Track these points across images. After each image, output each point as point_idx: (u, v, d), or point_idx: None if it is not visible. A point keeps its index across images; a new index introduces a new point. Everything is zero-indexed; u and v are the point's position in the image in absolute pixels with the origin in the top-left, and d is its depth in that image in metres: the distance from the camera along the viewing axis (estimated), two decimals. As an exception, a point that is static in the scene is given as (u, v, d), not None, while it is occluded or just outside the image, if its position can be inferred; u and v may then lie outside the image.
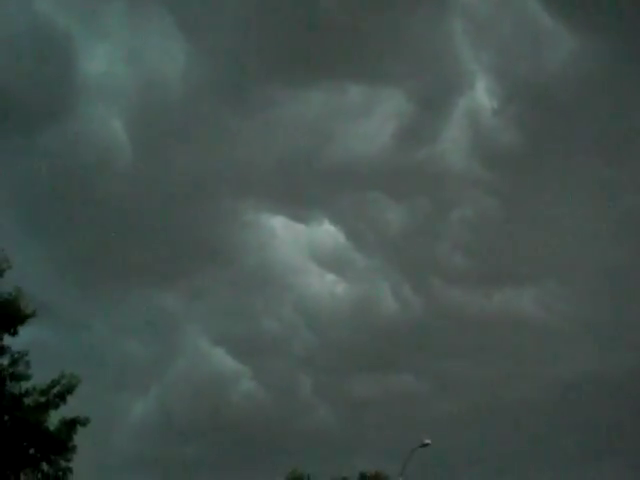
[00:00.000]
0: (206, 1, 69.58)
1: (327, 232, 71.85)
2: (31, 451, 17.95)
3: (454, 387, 63.13)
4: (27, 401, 18.08)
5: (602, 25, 64.47)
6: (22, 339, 19.36)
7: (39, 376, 18.70)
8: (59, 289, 62.32)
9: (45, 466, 18.21)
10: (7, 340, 18.59)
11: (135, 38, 72.48)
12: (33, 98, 62.97)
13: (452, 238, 69.97)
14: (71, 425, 18.32)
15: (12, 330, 18.52)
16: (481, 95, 71.86)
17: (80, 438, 18.73)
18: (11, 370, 18.26)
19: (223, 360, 65.45)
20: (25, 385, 18.39)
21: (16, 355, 18.54)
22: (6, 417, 17.77)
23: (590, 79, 64.78)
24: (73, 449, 18.31)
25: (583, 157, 66.54)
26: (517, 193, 68.50)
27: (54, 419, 18.35)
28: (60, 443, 18.06)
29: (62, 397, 18.45)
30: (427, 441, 35.13)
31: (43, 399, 18.25)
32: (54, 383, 18.42)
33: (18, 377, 18.26)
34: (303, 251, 72.43)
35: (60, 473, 18.37)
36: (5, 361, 18.37)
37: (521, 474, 54.04)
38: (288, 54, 67.61)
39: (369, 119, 73.69)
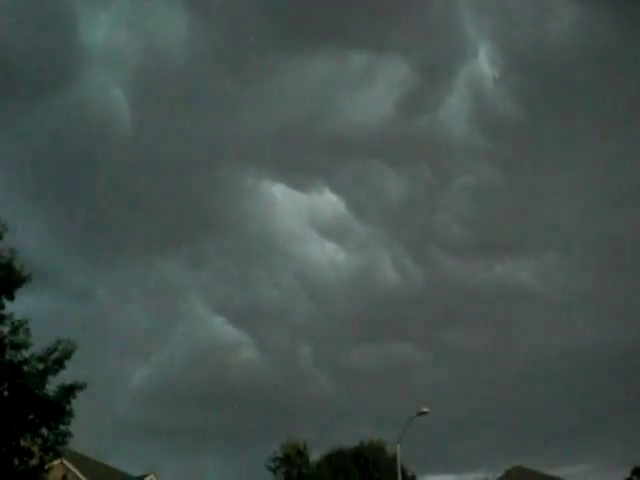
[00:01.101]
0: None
1: (328, 201, 71.97)
2: (30, 417, 18.10)
3: (453, 356, 63.70)
4: (26, 368, 18.19)
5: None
6: (23, 307, 19.63)
7: (41, 344, 18.81)
8: (61, 257, 62.75)
9: (45, 431, 18.38)
10: (8, 308, 18.71)
11: (136, 7, 72.14)
12: (34, 66, 62.88)
13: (452, 208, 70.14)
14: (69, 390, 18.48)
15: (9, 294, 18.56)
16: (483, 64, 71.63)
17: (81, 403, 18.97)
18: (11, 338, 18.35)
19: (223, 328, 65.99)
20: (26, 353, 18.50)
21: (16, 323, 18.59)
22: (5, 384, 17.90)
23: (592, 49, 64.42)
24: (71, 413, 18.47)
25: (583, 127, 66.38)
26: (518, 162, 68.53)
27: (53, 385, 18.57)
28: (59, 408, 18.23)
29: (60, 363, 18.60)
30: (425, 409, 35.49)
31: (41, 366, 18.40)
32: (51, 350, 18.54)
33: (18, 345, 18.35)
34: (304, 220, 72.60)
35: (60, 438, 18.55)
36: (5, 329, 18.47)
37: (518, 442, 54.69)
38: (289, 22, 67.30)
39: (370, 87, 73.49)
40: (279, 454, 45.07)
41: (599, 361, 58.29)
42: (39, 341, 18.80)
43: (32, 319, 19.02)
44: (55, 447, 18.49)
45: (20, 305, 19.12)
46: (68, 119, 64.50)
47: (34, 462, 18.28)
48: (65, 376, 18.77)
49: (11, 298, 18.61)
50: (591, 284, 66.05)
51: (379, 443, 45.43)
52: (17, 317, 18.69)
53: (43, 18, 63.73)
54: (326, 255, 71.27)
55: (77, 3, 71.63)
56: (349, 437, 45.23)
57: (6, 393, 18.04)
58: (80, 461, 34.58)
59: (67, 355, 18.61)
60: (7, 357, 18.25)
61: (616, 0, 62.55)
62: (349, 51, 72.05)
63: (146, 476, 38.66)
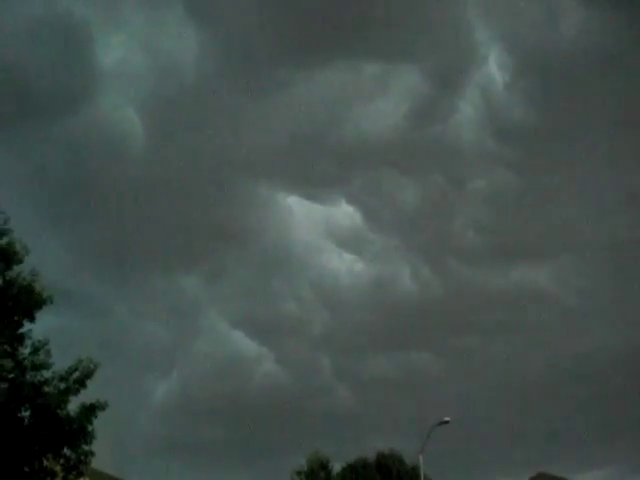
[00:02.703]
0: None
1: (344, 212, 72.12)
2: (52, 437, 18.16)
3: (472, 364, 63.54)
4: (47, 388, 18.26)
5: (618, 1, 63.96)
6: (44, 326, 19.70)
7: (62, 363, 18.87)
8: (80, 276, 63.20)
9: (67, 451, 18.42)
10: (28, 328, 18.78)
11: (149, 27, 72.91)
12: (51, 86, 63.64)
13: (467, 215, 70.12)
14: (91, 410, 18.52)
15: (29, 316, 18.63)
16: (493, 69, 71.73)
17: (103, 422, 18.99)
18: (32, 359, 18.42)
19: (243, 342, 66.14)
20: (46, 374, 18.54)
21: (37, 344, 18.68)
22: (27, 405, 18.03)
23: (602, 52, 64.38)
24: (93, 433, 18.52)
25: (596, 129, 66.24)
26: (531, 166, 68.57)
27: (74, 405, 18.59)
28: (80, 428, 18.29)
29: (81, 382, 18.63)
30: (446, 419, 35.63)
31: (63, 385, 18.45)
32: (72, 369, 18.61)
33: (39, 366, 18.42)
34: (320, 231, 72.76)
35: (82, 457, 18.56)
36: (26, 350, 18.54)
37: (538, 450, 54.36)
38: (302, 35, 67.65)
39: (383, 97, 73.70)
40: (304, 467, 45.04)
41: (618, 364, 57.97)
42: (60, 360, 18.89)
43: (52, 337, 19.10)
44: (78, 466, 18.50)
45: (40, 324, 19.19)
46: (84, 139, 65.16)
47: (57, 482, 18.39)
48: (87, 395, 18.84)
49: (32, 320, 18.71)
50: (608, 287, 65.78)
51: (399, 453, 45.36)
52: (37, 337, 18.78)
53: (59, 39, 64.63)
54: (344, 266, 71.39)
55: (93, 24, 72.52)
56: (369, 448, 45.17)
57: (27, 414, 18.10)
58: (103, 479, 34.73)
59: (88, 374, 18.67)
60: (28, 377, 18.26)
61: (626, 3, 62.57)
62: (361, 62, 72.40)
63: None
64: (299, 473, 44.87)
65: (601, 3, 66.92)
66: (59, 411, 18.14)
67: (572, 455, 54.42)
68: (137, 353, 63.74)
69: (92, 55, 69.04)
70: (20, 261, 18.80)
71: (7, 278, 18.53)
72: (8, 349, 18.27)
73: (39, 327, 19.09)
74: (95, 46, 72.11)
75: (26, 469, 17.91)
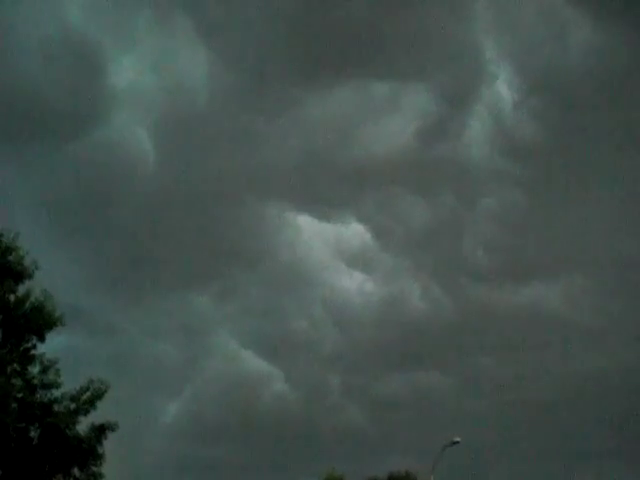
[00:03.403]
0: (228, 8, 70.22)
1: (354, 231, 72.02)
2: (62, 457, 18.15)
3: (483, 384, 63.02)
4: (57, 408, 18.27)
5: (625, 19, 64.10)
6: (55, 345, 19.74)
7: (73, 381, 18.91)
8: (90, 294, 63.14)
9: (76, 471, 18.42)
10: (39, 347, 18.83)
11: (161, 48, 73.40)
12: (63, 106, 64.00)
13: (477, 234, 69.84)
14: (100, 430, 18.53)
15: (40, 336, 18.68)
16: (503, 88, 71.80)
17: (113, 441, 18.97)
18: (41, 378, 18.47)
19: (253, 361, 65.86)
20: (56, 393, 18.59)
21: (47, 363, 18.73)
22: (37, 424, 18.02)
23: (610, 70, 64.42)
24: (102, 454, 18.51)
25: (606, 147, 66.14)
26: (541, 184, 68.30)
27: (84, 425, 18.61)
28: (90, 448, 18.28)
29: (91, 403, 18.64)
30: (457, 439, 35.22)
31: (73, 405, 18.46)
32: (83, 389, 18.61)
33: (48, 385, 18.46)
34: (330, 250, 72.66)
35: (91, 478, 18.58)
36: (35, 369, 18.58)
37: (550, 471, 53.88)
38: (313, 54, 67.89)
39: (393, 115, 73.82)
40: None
41: (632, 383, 57.46)
42: (71, 378, 18.92)
43: (63, 356, 19.18)
44: (87, 487, 18.54)
45: (51, 342, 19.24)
46: (96, 158, 65.42)
47: (67, 502, 18.34)
48: (97, 414, 18.81)
49: (42, 340, 18.74)
50: (621, 306, 65.36)
51: (410, 475, 45.02)
52: (47, 356, 18.84)
53: (72, 60, 65.14)
54: (354, 285, 71.23)
55: (105, 45, 73.03)
56: (380, 468, 44.80)
57: (37, 433, 18.11)
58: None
59: (99, 395, 18.68)
60: (37, 397, 18.32)
61: (634, 21, 62.65)
62: (372, 81, 72.59)
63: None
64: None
65: (610, 22, 67.09)
66: (68, 431, 18.12)
67: (587, 475, 53.87)
68: (147, 372, 63.59)
69: (104, 76, 69.58)
70: (30, 276, 18.85)
71: (19, 295, 18.59)
72: (17, 368, 18.31)
73: (49, 345, 19.17)
74: (107, 67, 72.56)
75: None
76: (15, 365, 18.23)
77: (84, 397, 18.60)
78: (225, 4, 70.48)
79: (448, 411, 60.78)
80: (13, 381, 17.67)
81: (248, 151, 70.40)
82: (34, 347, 18.77)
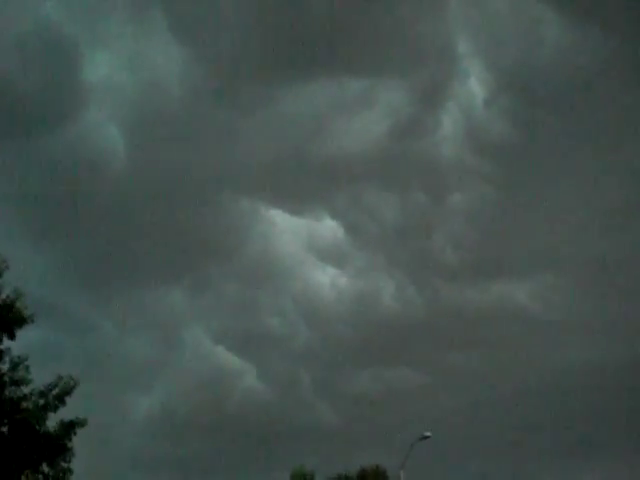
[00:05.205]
0: (202, 5, 70.17)
1: (327, 226, 72.35)
2: (31, 453, 18.14)
3: (453, 379, 63.64)
4: (26, 404, 18.25)
5: (596, 17, 64.88)
6: (27, 341, 19.66)
7: (45, 377, 18.87)
8: (63, 291, 63.07)
9: (45, 468, 18.37)
10: (7, 343, 18.72)
11: (135, 44, 73.25)
12: (36, 101, 63.70)
13: (447, 231, 70.49)
14: (70, 427, 18.53)
15: (10, 333, 18.59)
16: (474, 86, 72.39)
17: (84, 437, 18.95)
18: (10, 375, 18.42)
19: (225, 357, 65.98)
20: (25, 389, 18.53)
21: (16, 359, 18.66)
22: (5, 421, 18.00)
23: (583, 68, 65.20)
24: (72, 450, 18.52)
25: (576, 146, 66.96)
26: (511, 183, 69.04)
27: (53, 421, 18.57)
28: (59, 445, 18.28)
29: (61, 399, 18.61)
30: (427, 433, 35.56)
31: (42, 402, 18.43)
32: (52, 385, 18.59)
33: (18, 382, 18.43)
34: (303, 246, 72.91)
35: (61, 474, 18.52)
36: (5, 366, 18.51)
37: (521, 465, 54.55)
38: (286, 51, 68.10)
39: (365, 113, 74.18)
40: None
41: (597, 379, 58.26)
42: (42, 375, 18.88)
43: (35, 352, 19.22)
44: (56, 483, 18.51)
45: (22, 339, 19.15)
46: (68, 155, 65.28)
47: (35, 499, 18.33)
48: (67, 410, 18.79)
49: (12, 337, 18.68)
50: (589, 304, 66.21)
51: (380, 470, 45.29)
52: (17, 353, 18.76)
53: (46, 55, 64.83)
54: (327, 280, 71.53)
55: (80, 41, 72.77)
56: (351, 463, 45.11)
57: (6, 429, 18.05)
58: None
59: (68, 391, 18.65)
60: (7, 393, 18.27)
61: (605, 21, 63.44)
62: (344, 78, 72.91)
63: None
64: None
65: (581, 20, 67.87)
66: (38, 427, 18.12)
67: (554, 470, 54.61)
68: (119, 368, 63.45)
69: (78, 71, 69.26)
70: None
71: (-13, 294, 18.56)
72: (-14, 365, 18.28)
73: (21, 342, 19.11)
74: (81, 63, 72.17)
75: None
76: (-17, 362, 18.23)
77: (53, 393, 18.58)
78: (199, 1, 70.52)
79: (418, 407, 61.36)
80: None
81: (221, 147, 70.57)
82: (1, 343, 18.66)
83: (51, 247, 66.11)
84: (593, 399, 57.36)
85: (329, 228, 72.84)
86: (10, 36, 64.49)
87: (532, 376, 62.10)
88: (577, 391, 58.88)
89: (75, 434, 18.61)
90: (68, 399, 18.82)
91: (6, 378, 18.33)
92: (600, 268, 64.74)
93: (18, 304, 18.60)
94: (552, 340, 65.71)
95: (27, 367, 18.71)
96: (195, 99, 70.10)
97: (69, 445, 18.50)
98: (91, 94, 70.81)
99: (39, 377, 18.85)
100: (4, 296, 18.63)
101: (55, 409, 18.56)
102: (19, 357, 18.79)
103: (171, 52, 71.63)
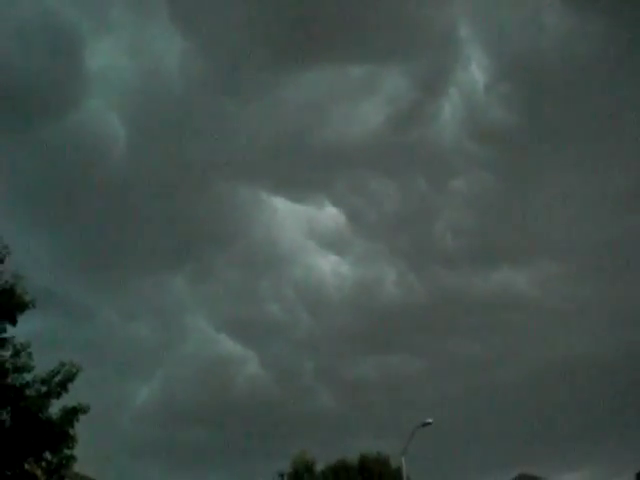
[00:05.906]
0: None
1: (328, 213, 72.32)
2: (34, 441, 18.05)
3: (454, 367, 63.86)
4: (29, 391, 18.22)
5: (598, 4, 64.57)
6: (29, 328, 19.66)
7: (47, 364, 18.80)
8: (64, 278, 63.10)
9: (48, 455, 18.35)
10: (10, 331, 18.68)
11: (136, 32, 72.97)
12: (37, 90, 63.49)
13: (448, 218, 70.41)
14: (72, 413, 18.46)
15: (11, 319, 18.52)
16: (475, 72, 72.19)
17: (86, 424, 18.92)
18: (13, 362, 18.35)
19: (227, 344, 66.14)
20: (28, 376, 18.48)
21: (18, 346, 18.58)
22: (8, 408, 17.96)
23: (584, 55, 64.97)
24: (75, 437, 18.46)
25: (577, 132, 66.81)
26: (513, 169, 68.96)
27: (56, 408, 18.54)
28: (62, 432, 18.22)
29: (63, 386, 18.56)
30: (429, 420, 35.74)
31: (44, 389, 18.40)
32: (54, 372, 18.54)
33: (20, 369, 18.35)
34: (305, 233, 72.90)
35: (64, 461, 18.49)
36: (7, 353, 18.45)
37: (519, 451, 54.71)
38: (286, 37, 67.83)
39: (366, 99, 73.99)
40: (289, 469, 44.92)
41: (599, 367, 58.44)
42: (44, 362, 18.80)
43: (37, 340, 19.10)
44: (59, 470, 18.44)
45: (24, 326, 19.11)
46: (69, 142, 65.12)
47: (38, 486, 18.31)
48: (69, 398, 18.74)
49: (13, 323, 18.64)
50: (589, 291, 66.23)
51: (383, 455, 45.41)
52: (20, 340, 18.71)
53: (48, 44, 64.59)
54: (328, 267, 71.56)
55: (81, 28, 72.45)
56: (352, 450, 45.29)
57: (9, 417, 18.03)
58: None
59: (70, 378, 18.61)
60: (9, 380, 18.21)
61: (606, 8, 63.13)
62: (345, 64, 72.66)
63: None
64: (281, 475, 44.80)
65: (582, 7, 67.48)
66: (40, 414, 18.08)
67: (553, 456, 54.76)
68: (121, 355, 63.67)
69: (80, 60, 69.06)
70: (0, 261, 18.76)
71: (-13, 279, 18.52)
72: (-12, 351, 18.25)
73: (23, 329, 19.07)
74: (82, 50, 72.02)
75: (8, 473, 17.81)
76: (-15, 348, 18.20)
77: (55, 380, 18.52)
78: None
79: (420, 394, 61.52)
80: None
81: (223, 133, 70.36)
82: (4, 330, 18.64)
83: (52, 234, 66.12)
84: (594, 385, 57.49)
85: (330, 215, 72.94)
86: (12, 24, 64.27)
87: (532, 362, 62.26)
88: (577, 377, 59.03)
89: (77, 420, 18.57)
90: (70, 386, 18.78)
91: (9, 365, 18.26)
92: (600, 254, 64.72)
93: (18, 289, 18.53)
94: (552, 326, 65.84)
95: (30, 354, 18.63)
96: (196, 87, 70.02)
97: (71, 432, 18.44)
98: (92, 82, 70.77)
99: (41, 364, 18.80)
100: (3, 281, 18.55)
101: (58, 396, 18.52)
102: (22, 344, 18.71)
103: (172, 40, 71.41)
